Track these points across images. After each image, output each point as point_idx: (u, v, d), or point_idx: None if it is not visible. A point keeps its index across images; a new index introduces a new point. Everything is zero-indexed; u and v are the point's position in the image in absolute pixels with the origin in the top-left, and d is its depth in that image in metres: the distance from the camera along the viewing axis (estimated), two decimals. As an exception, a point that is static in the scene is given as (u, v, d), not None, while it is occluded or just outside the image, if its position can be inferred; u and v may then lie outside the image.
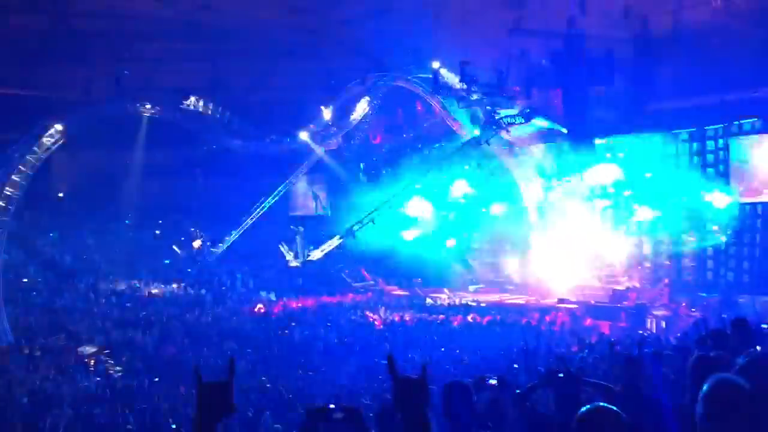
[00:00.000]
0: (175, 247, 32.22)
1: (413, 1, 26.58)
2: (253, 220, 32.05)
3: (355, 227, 29.88)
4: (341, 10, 28.72)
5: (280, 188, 32.16)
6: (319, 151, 31.04)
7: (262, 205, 32.00)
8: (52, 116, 24.76)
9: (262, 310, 25.76)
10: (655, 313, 22.40)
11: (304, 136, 30.54)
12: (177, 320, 23.60)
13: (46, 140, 23.29)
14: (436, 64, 26.79)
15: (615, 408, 3.22)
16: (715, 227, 25.47)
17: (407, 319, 23.96)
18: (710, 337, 7.63)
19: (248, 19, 29.39)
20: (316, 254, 31.64)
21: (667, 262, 26.83)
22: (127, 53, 29.82)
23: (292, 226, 32.38)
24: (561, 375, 6.32)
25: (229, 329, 22.48)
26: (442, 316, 24.15)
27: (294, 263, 31.92)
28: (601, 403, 3.27)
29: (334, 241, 31.03)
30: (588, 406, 3.24)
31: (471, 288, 27.07)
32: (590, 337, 17.97)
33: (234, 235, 32.09)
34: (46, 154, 23.84)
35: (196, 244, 32.09)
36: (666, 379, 7.45)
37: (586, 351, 14.19)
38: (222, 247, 32.21)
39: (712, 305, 22.29)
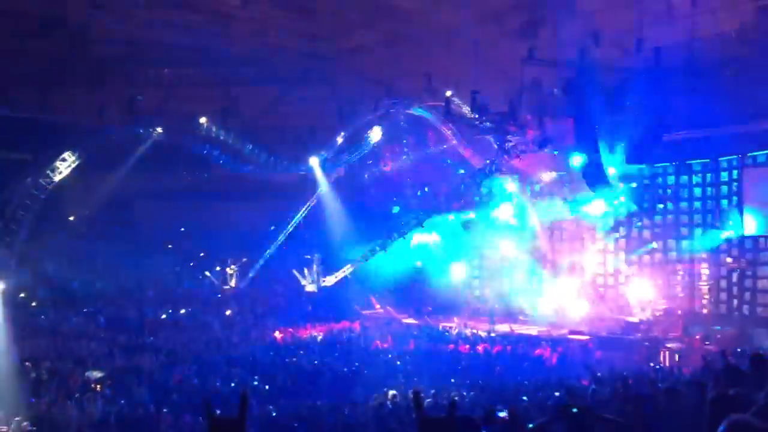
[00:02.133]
0: (207, 273, 32.20)
1: (425, 30, 26.72)
2: (277, 246, 32.01)
3: (368, 254, 29.85)
4: (354, 37, 28.90)
5: (298, 215, 32.17)
6: (324, 182, 31.07)
7: (285, 231, 31.97)
8: (66, 140, 24.91)
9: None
10: (669, 345, 22.07)
11: (314, 162, 30.60)
12: (184, 346, 23.46)
13: (59, 164, 23.41)
14: (448, 93, 26.87)
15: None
16: (729, 259, 25.24)
17: (416, 347, 23.72)
18: (727, 373, 7.43)
19: (261, 46, 29.62)
20: (330, 280, 31.59)
21: (681, 294, 26.54)
22: (142, 78, 30.10)
23: (307, 256, 32.35)
24: (575, 410, 6.15)
25: (236, 356, 22.32)
26: (451, 346, 23.93)
27: (310, 288, 31.90)
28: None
29: (348, 268, 31.00)
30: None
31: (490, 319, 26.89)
32: (602, 370, 17.66)
33: (261, 262, 32.04)
34: (59, 177, 23.94)
35: (230, 270, 32.04)
36: (679, 416, 7.24)
37: (598, 385, 13.90)
38: (251, 274, 32.17)
39: (727, 339, 21.98)
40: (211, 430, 2.76)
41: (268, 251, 31.87)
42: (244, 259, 32.35)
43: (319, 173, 31.01)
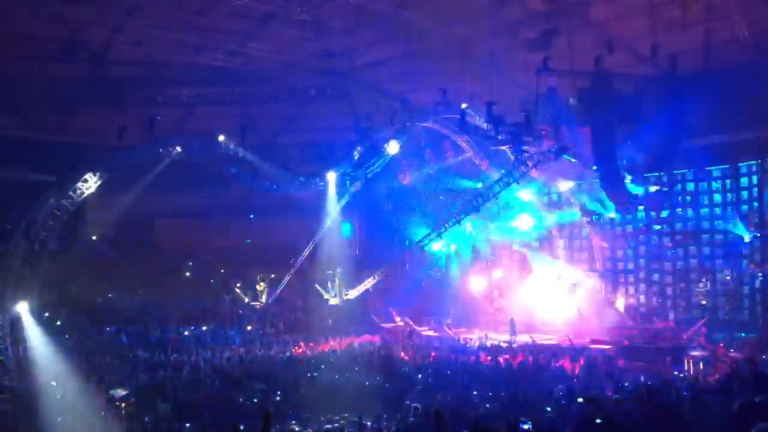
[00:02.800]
0: (237, 290, 32.35)
1: (440, 43, 26.87)
2: (300, 261, 32.15)
3: (390, 268, 29.91)
4: (369, 52, 29.12)
5: (320, 231, 32.30)
6: (334, 199, 31.10)
7: (308, 247, 32.10)
8: (88, 161, 25.30)
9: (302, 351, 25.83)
10: (692, 353, 21.86)
11: (330, 177, 30.77)
12: (206, 362, 23.61)
13: (81, 185, 23.71)
14: (463, 105, 26.94)
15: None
16: (752, 265, 25.05)
17: (437, 359, 23.69)
18: (753, 381, 7.42)
19: (278, 63, 29.94)
20: (353, 293, 31.70)
21: (704, 302, 26.33)
22: (161, 98, 30.53)
23: (329, 271, 32.45)
24: (598, 420, 6.19)
25: (257, 371, 22.40)
26: (472, 357, 23.85)
27: (333, 301, 32.04)
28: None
29: (369, 281, 31.09)
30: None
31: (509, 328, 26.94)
32: (625, 379, 17.53)
33: (287, 278, 32.17)
34: (81, 198, 24.27)
35: (260, 287, 32.17)
36: (705, 424, 7.22)
37: (622, 394, 13.85)
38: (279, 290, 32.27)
39: (751, 345, 21.77)
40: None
41: (292, 267, 31.97)
42: (273, 275, 32.42)
43: (332, 190, 31.02)
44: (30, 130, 28.25)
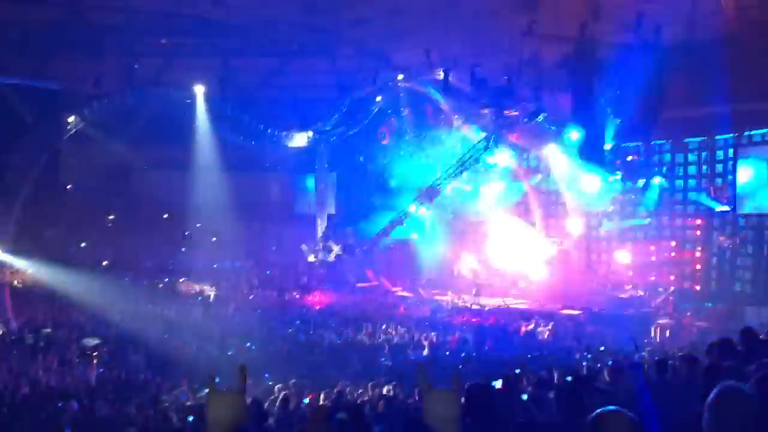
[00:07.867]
0: (303, 247, 31.92)
1: (426, 3, 26.52)
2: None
3: (388, 232, 29.79)
4: (354, 9, 28.65)
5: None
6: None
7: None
8: (63, 108, 24.81)
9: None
10: (660, 322, 22.32)
11: (309, 135, 30.50)
12: (180, 315, 23.63)
13: (57, 132, 23.34)
14: (446, 67, 26.77)
15: (629, 413, 3.12)
16: (722, 237, 25.48)
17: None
18: (718, 347, 7.60)
19: (260, 17, 29.34)
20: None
21: (672, 273, 26.75)
22: (139, 47, 29.83)
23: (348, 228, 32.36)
24: (567, 379, 6.34)
25: (231, 326, 22.49)
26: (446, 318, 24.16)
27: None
28: (614, 407, 3.16)
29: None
30: (601, 410, 3.12)
31: (473, 291, 27.15)
32: (593, 344, 17.91)
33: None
34: (56, 145, 23.90)
35: (334, 246, 31.69)
36: (671, 388, 7.43)
37: (589, 357, 14.18)
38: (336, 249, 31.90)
39: (718, 316, 22.27)
40: (212, 405, 2.77)
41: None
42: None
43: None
44: (3, 73, 27.51)
